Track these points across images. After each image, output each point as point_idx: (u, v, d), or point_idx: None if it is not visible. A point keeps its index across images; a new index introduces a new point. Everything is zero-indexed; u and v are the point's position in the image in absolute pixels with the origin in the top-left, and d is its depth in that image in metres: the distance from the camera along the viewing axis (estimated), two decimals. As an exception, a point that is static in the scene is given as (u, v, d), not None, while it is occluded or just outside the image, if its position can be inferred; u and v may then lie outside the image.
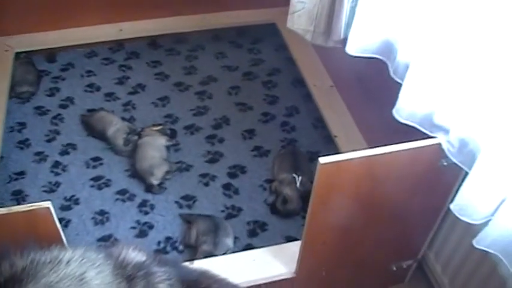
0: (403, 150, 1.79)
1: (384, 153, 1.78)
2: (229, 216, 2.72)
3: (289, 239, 2.65)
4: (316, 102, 3.18)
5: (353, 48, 2.18)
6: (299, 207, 2.76)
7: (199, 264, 2.24)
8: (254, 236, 2.67)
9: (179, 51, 3.66)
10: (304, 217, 2.68)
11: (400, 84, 1.96)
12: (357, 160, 1.77)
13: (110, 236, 2.62)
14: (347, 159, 1.77)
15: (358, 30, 2.13)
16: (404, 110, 1.96)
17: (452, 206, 1.77)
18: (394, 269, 2.40)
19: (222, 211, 2.74)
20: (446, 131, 1.84)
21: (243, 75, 3.50)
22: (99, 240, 2.60)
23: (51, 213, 1.58)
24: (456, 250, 2.18)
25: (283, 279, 2.29)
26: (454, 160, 1.83)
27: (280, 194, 2.76)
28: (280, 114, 3.26)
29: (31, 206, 1.55)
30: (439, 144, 1.84)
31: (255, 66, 3.57)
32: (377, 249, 2.28)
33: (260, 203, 2.80)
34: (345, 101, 3.12)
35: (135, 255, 1.53)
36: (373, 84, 2.70)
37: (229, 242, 2.53)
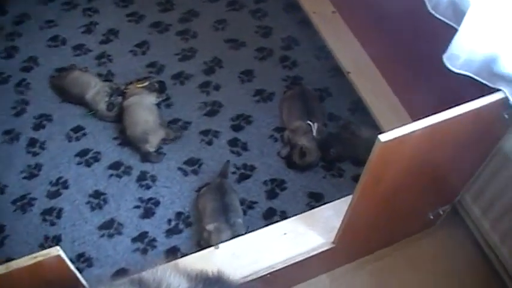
0: (466, 113, 1.48)
1: (446, 120, 1.47)
2: (242, 178, 2.39)
3: (313, 196, 2.37)
4: (317, 29, 2.76)
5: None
6: (318, 158, 2.44)
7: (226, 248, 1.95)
8: (274, 198, 2.36)
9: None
10: (324, 167, 2.40)
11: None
12: (419, 131, 1.45)
13: (112, 222, 2.28)
14: (409, 133, 1.43)
15: None
16: (460, 56, 1.60)
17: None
18: (431, 217, 2.16)
19: (233, 172, 2.41)
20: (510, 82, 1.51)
21: (228, 6, 3.04)
22: (101, 228, 2.26)
23: (63, 261, 1.24)
24: (500, 194, 1.98)
25: (322, 252, 2.01)
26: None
27: (296, 145, 2.43)
28: (277, 48, 2.85)
29: (35, 257, 1.19)
30: (505, 98, 1.52)
31: (240, -6, 3.10)
32: (417, 200, 2.04)
33: (274, 157, 2.47)
34: (351, 29, 2.70)
35: (176, 282, 1.27)
36: (386, 11, 2.31)
37: (241, 220, 2.21)
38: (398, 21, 2.26)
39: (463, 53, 1.59)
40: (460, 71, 1.63)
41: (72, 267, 1.30)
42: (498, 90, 1.55)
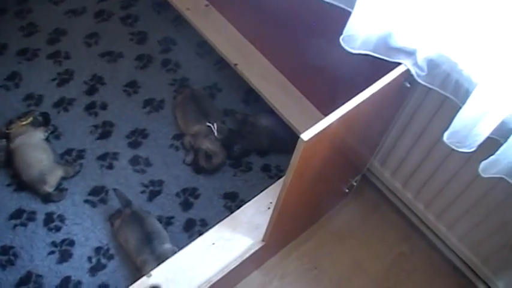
0: (376, 92, 1.53)
1: (359, 104, 1.51)
2: (153, 195, 2.34)
3: (228, 196, 2.38)
4: (193, 26, 2.70)
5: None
6: (225, 158, 2.43)
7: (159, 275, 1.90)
8: (190, 208, 2.33)
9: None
10: (232, 165, 2.40)
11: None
12: (335, 122, 1.47)
13: (29, 276, 2.14)
14: (328, 126, 1.45)
15: None
16: (357, 37, 1.63)
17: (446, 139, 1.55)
18: (346, 190, 2.23)
19: (142, 192, 2.34)
20: (408, 53, 1.57)
21: (95, 17, 2.90)
22: (19, 285, 2.11)
23: None
24: (406, 155, 2.11)
25: (254, 252, 2.02)
26: (423, 82, 1.59)
27: (200, 149, 2.40)
28: (156, 52, 2.78)
29: None
30: (407, 70, 1.58)
31: (105, 2, 2.95)
32: (334, 180, 2.13)
33: (180, 166, 2.43)
34: (229, 20, 2.67)
35: None
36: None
37: (168, 245, 2.14)
38: (282, 9, 2.25)
39: (359, 33, 1.61)
40: (359, 51, 1.66)
41: None
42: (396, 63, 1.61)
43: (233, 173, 2.43)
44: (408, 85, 1.66)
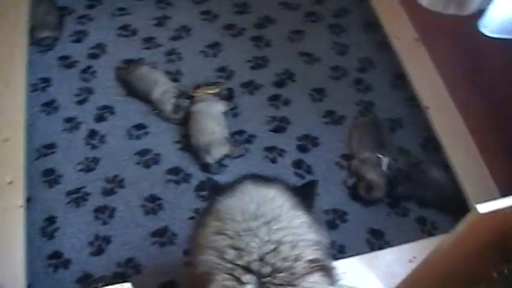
0: None
1: None
2: (303, 203, 2.28)
3: (374, 232, 2.27)
4: (397, 55, 2.63)
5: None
6: (385, 194, 2.33)
7: None
8: (334, 228, 2.25)
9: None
10: (388, 204, 2.29)
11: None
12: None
13: (165, 230, 2.20)
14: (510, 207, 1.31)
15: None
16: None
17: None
18: (495, 275, 2.02)
19: (294, 197, 2.30)
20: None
21: (306, 16, 2.92)
22: (154, 235, 2.18)
23: None
24: None
25: (381, 296, 1.91)
26: None
27: (363, 177, 2.32)
28: (352, 69, 2.73)
29: None
30: None
31: (319, 5, 2.97)
32: (487, 260, 1.88)
33: (337, 185, 2.36)
34: (434, 61, 2.56)
35: None
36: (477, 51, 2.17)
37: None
38: (490, 68, 2.12)
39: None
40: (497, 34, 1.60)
41: None
42: None
43: (387, 212, 2.32)
44: None
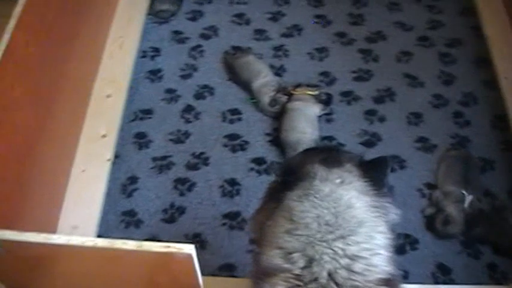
0: None
1: None
2: (378, 221, 2.27)
3: (441, 267, 2.20)
4: (503, 96, 2.56)
5: None
6: (460, 232, 2.27)
7: None
8: (402, 253, 2.21)
9: (347, -8, 3.06)
10: (462, 242, 2.24)
11: None
12: None
13: (237, 215, 2.24)
14: None
15: None
16: None
17: None
18: None
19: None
20: None
21: (418, 39, 2.89)
22: (226, 216, 2.23)
23: (192, 261, 1.21)
24: None
25: None
26: None
27: (442, 210, 2.27)
28: (454, 100, 2.67)
29: (168, 246, 1.18)
30: None
31: (433, 30, 2.93)
32: None
33: (415, 212, 2.32)
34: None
35: None
36: None
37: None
38: None
39: None
40: None
41: (197, 269, 1.26)
42: None
43: (459, 250, 2.27)
44: None
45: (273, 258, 1.18)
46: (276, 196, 1.30)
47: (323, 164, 1.30)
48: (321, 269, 1.14)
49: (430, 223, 2.30)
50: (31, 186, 1.87)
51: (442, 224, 2.25)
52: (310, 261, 1.15)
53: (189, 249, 1.18)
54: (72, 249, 1.22)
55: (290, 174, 1.30)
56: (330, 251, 1.16)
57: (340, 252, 1.16)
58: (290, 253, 1.16)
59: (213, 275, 2.08)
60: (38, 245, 1.22)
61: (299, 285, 1.14)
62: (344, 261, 1.15)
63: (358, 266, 1.16)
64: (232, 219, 2.23)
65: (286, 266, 1.16)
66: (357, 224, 1.21)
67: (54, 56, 2.01)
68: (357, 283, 1.14)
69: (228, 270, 2.14)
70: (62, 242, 1.20)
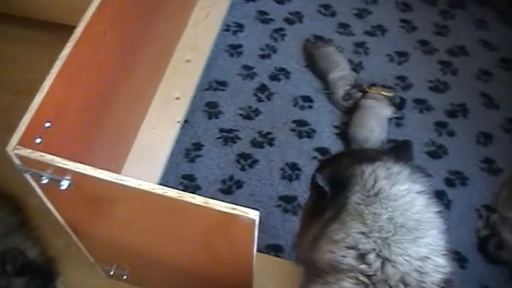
0: None
1: None
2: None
3: (486, 288, 2.18)
4: None
5: None
6: (512, 259, 2.25)
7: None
8: (452, 270, 2.20)
9: (435, 0, 3.02)
10: (512, 271, 2.21)
11: None
12: None
13: (293, 199, 2.26)
14: None
15: None
16: None
17: None
18: None
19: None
20: None
21: (500, 60, 2.83)
22: (281, 198, 2.26)
23: (253, 227, 1.20)
24: None
25: None
26: None
27: (498, 234, 2.24)
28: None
29: (233, 208, 1.18)
30: None
31: (518, 53, 2.88)
32: None
33: (469, 231, 2.30)
34: None
35: None
36: None
37: None
38: None
39: None
40: None
41: (255, 238, 1.26)
42: None
43: (508, 277, 2.23)
44: None
45: (343, 257, 1.19)
46: (319, 212, 1.32)
47: (366, 162, 1.30)
48: (395, 271, 1.16)
49: (482, 245, 2.27)
50: (103, 132, 1.91)
51: (495, 247, 2.23)
52: (384, 263, 1.17)
53: (254, 214, 1.18)
54: (140, 193, 1.22)
55: (336, 181, 1.29)
56: (404, 252, 1.18)
57: (413, 254, 1.18)
58: (365, 254, 1.18)
59: (260, 251, 2.11)
60: (109, 183, 1.22)
61: (367, 284, 1.16)
62: (416, 263, 1.17)
63: (428, 267, 1.18)
64: (288, 202, 2.25)
65: (362, 266, 1.17)
66: (424, 224, 1.23)
67: (144, 15, 2.05)
68: (424, 284, 1.16)
69: (275, 250, 2.16)
70: (132, 184, 1.21)
